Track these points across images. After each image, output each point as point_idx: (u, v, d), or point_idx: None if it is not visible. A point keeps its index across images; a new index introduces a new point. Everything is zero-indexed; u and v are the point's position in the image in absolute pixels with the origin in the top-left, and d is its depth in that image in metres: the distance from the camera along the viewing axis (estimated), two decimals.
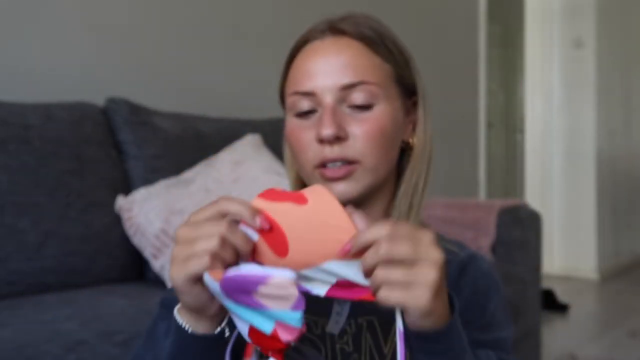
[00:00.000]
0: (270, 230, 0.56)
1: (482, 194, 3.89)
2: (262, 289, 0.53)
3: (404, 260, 0.53)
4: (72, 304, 1.24)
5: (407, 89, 0.76)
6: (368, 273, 0.54)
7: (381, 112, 0.71)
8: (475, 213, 2.03)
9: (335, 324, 0.63)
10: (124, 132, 1.73)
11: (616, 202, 4.57)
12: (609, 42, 4.43)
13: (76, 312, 1.16)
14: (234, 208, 0.56)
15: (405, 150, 0.77)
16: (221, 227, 0.55)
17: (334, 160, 0.70)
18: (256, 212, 0.56)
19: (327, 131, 0.68)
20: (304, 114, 0.72)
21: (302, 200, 0.55)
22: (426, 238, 0.55)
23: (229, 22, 2.36)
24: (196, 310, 0.60)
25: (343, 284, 0.56)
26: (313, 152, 0.71)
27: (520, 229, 2.00)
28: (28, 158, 1.45)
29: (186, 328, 0.62)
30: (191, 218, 0.58)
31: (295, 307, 0.53)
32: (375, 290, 0.54)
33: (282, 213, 0.56)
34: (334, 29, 0.72)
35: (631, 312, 3.39)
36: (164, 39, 2.15)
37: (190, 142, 1.81)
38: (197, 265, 0.56)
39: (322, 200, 0.55)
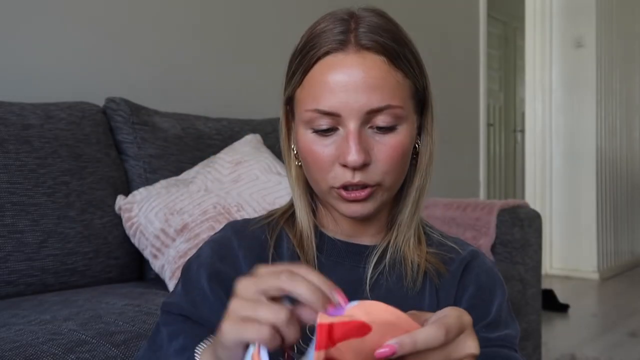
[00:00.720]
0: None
1: (482, 194, 3.89)
2: None
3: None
4: (72, 304, 1.24)
5: (420, 99, 0.75)
6: None
7: (403, 134, 0.71)
8: (475, 213, 2.04)
9: None
10: (123, 132, 1.73)
11: (616, 202, 4.57)
12: (609, 42, 4.43)
13: (76, 312, 1.16)
14: (304, 295, 0.51)
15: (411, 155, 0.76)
16: (281, 315, 0.51)
17: (356, 186, 0.69)
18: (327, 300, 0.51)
19: (355, 158, 0.67)
20: (323, 132, 0.70)
21: (366, 330, 0.50)
22: (468, 326, 0.52)
23: (229, 22, 2.36)
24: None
25: None
26: (335, 173, 0.70)
27: (520, 229, 2.00)
28: (28, 158, 1.45)
29: None
30: (260, 273, 0.54)
31: None
32: None
33: (349, 350, 0.51)
34: (357, 43, 0.68)
35: (631, 312, 3.39)
36: (164, 39, 2.15)
37: (190, 142, 1.81)
38: (254, 333, 0.52)
39: (384, 318, 0.51)
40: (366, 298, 0.72)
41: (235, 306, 0.53)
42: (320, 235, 0.77)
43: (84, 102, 1.70)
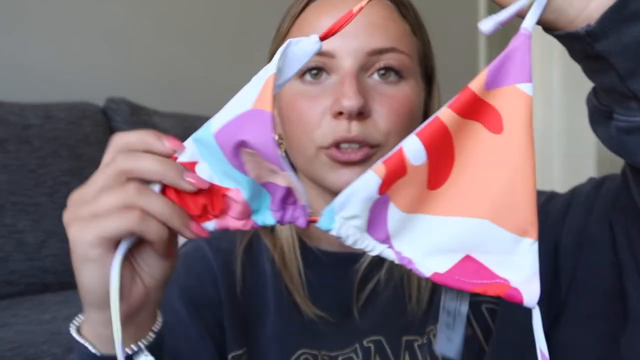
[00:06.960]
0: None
1: None
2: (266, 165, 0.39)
3: None
4: (72, 304, 1.24)
5: (427, 73, 0.64)
6: None
7: (410, 89, 0.59)
8: None
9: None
10: None
11: None
12: None
13: (76, 312, 1.16)
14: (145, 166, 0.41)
15: None
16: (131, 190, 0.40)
17: (352, 141, 0.55)
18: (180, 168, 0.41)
19: (351, 103, 0.53)
20: (313, 77, 0.57)
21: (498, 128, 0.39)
22: None
23: (229, 21, 2.36)
24: (104, 305, 0.41)
25: (467, 267, 0.37)
26: (324, 129, 0.56)
27: None
28: (28, 158, 1.45)
29: (95, 352, 0.44)
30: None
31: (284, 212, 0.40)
32: None
33: (466, 135, 0.40)
34: None
35: None
36: (163, 39, 2.15)
37: None
38: (115, 221, 0.38)
39: (520, 131, 0.39)
40: (355, 315, 0.65)
41: (70, 214, 0.40)
42: (304, 247, 0.65)
43: (84, 102, 1.70)
